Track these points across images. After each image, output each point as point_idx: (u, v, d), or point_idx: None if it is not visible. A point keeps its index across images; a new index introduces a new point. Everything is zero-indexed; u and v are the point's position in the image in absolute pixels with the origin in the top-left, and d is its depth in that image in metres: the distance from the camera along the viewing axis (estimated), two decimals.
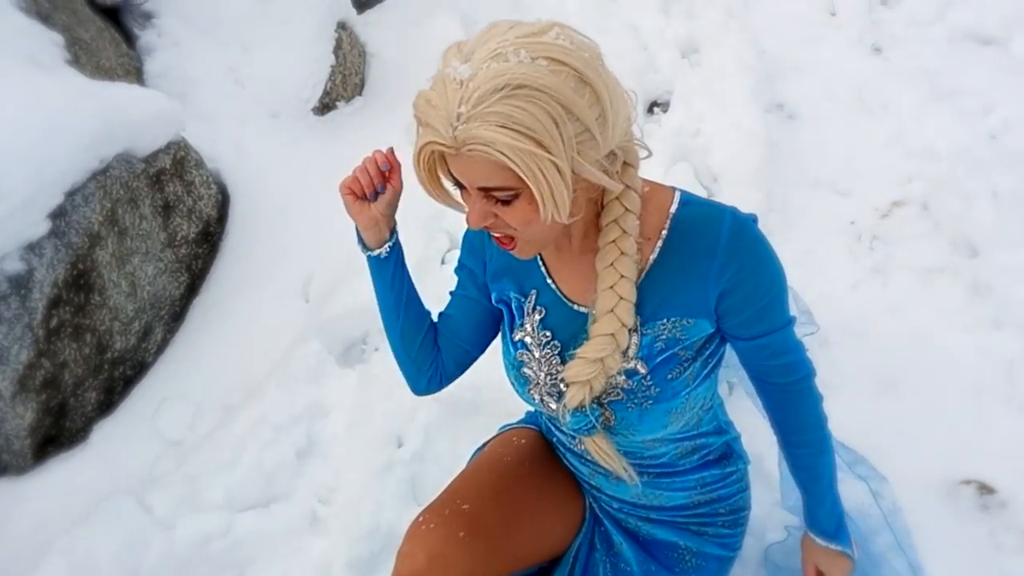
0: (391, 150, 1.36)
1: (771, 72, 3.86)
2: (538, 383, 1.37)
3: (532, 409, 1.77)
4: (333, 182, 3.40)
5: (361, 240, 1.42)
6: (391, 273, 1.43)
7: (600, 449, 1.33)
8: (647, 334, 1.26)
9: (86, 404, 2.50)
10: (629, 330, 1.24)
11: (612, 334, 1.21)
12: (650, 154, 1.22)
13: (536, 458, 1.62)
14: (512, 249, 1.19)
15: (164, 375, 2.68)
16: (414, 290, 1.50)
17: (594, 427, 1.30)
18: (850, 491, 1.66)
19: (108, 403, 2.58)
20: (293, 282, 2.93)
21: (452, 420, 2.34)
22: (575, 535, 1.61)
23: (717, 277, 1.22)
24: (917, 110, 3.36)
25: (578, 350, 1.25)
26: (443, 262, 3.08)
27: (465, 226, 1.31)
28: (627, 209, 1.21)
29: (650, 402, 1.28)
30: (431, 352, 1.53)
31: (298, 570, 2.07)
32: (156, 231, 2.77)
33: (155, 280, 2.76)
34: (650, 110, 3.68)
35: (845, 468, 1.64)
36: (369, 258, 1.42)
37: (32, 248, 2.28)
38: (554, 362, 1.34)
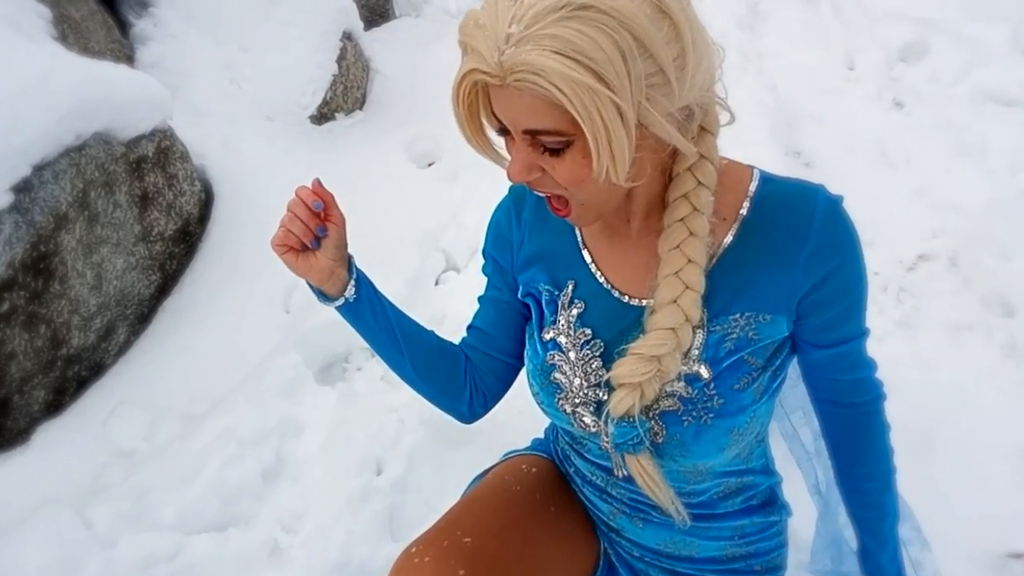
0: (317, 182, 1.13)
1: (788, 119, 3.74)
2: (571, 392, 1.13)
3: (542, 436, 1.54)
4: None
5: (319, 292, 1.19)
6: (369, 312, 1.22)
7: (645, 473, 1.08)
8: (715, 331, 1.04)
9: (32, 403, 2.23)
10: (694, 327, 1.02)
11: (674, 329, 1.00)
12: (733, 119, 1.02)
13: (548, 490, 1.38)
14: (567, 215, 1.00)
15: (123, 379, 2.42)
16: (404, 316, 1.27)
17: (642, 442, 1.06)
18: None
19: (57, 404, 2.31)
20: (274, 291, 2.70)
21: (440, 448, 2.10)
22: None
23: (807, 265, 1.01)
24: (942, 165, 3.23)
25: (631, 345, 1.03)
26: (437, 283, 2.87)
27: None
28: (700, 183, 1.00)
29: (711, 416, 1.05)
30: (462, 376, 1.31)
31: None
32: (130, 222, 2.54)
33: (124, 275, 2.52)
34: None
35: None
36: (338, 309, 1.21)
37: None
38: (594, 365, 1.11)
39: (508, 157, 0.96)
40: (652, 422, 1.07)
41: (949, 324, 2.52)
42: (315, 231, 1.11)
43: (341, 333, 2.54)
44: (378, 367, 2.52)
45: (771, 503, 1.32)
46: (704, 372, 1.05)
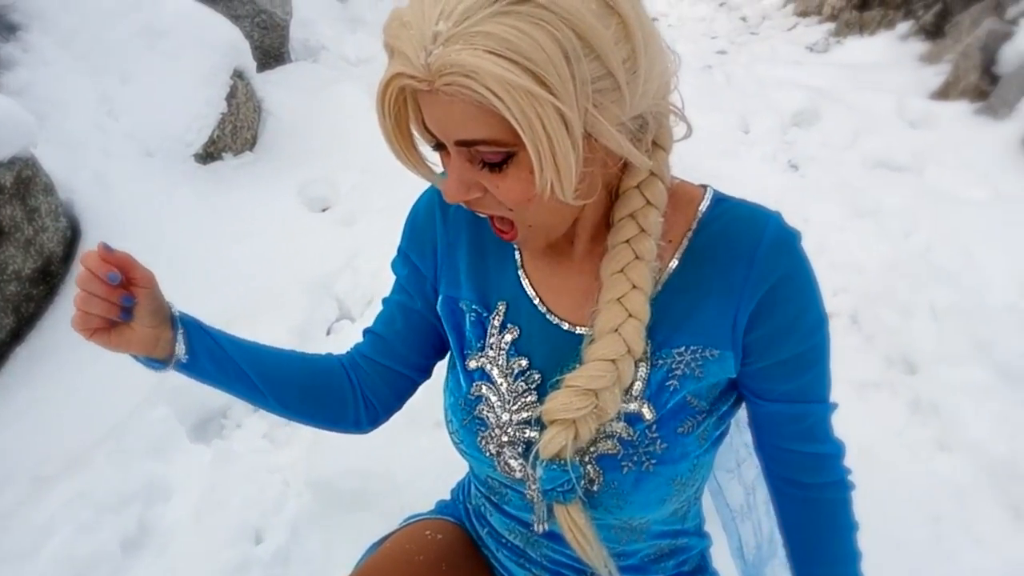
0: (103, 247, 0.89)
1: (688, 179, 3.74)
2: (497, 429, 0.98)
3: (448, 498, 1.36)
4: (205, 235, 3.01)
5: (146, 361, 0.99)
6: (211, 365, 1.02)
7: (575, 527, 0.93)
8: (658, 366, 0.91)
9: None
10: (636, 360, 0.89)
11: (614, 360, 0.86)
12: (690, 132, 0.91)
13: (456, 559, 1.20)
14: (513, 239, 0.87)
15: None
16: (257, 353, 1.08)
17: (574, 489, 0.91)
18: None
19: None
20: None
21: (329, 514, 1.89)
22: None
23: (750, 290, 0.89)
24: (839, 225, 3.28)
25: (566, 376, 0.89)
26: (329, 332, 2.68)
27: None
28: (649, 202, 0.88)
29: (653, 462, 0.91)
30: (347, 393, 1.12)
31: None
32: None
33: None
34: None
35: None
36: (175, 369, 1.01)
37: None
38: (528, 399, 0.96)
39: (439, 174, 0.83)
40: (588, 467, 0.92)
41: (855, 382, 2.49)
42: (120, 302, 0.91)
43: None
44: (261, 423, 2.29)
45: (703, 570, 1.19)
46: (647, 413, 0.91)
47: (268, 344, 1.13)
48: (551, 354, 0.96)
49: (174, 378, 2.25)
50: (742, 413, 1.07)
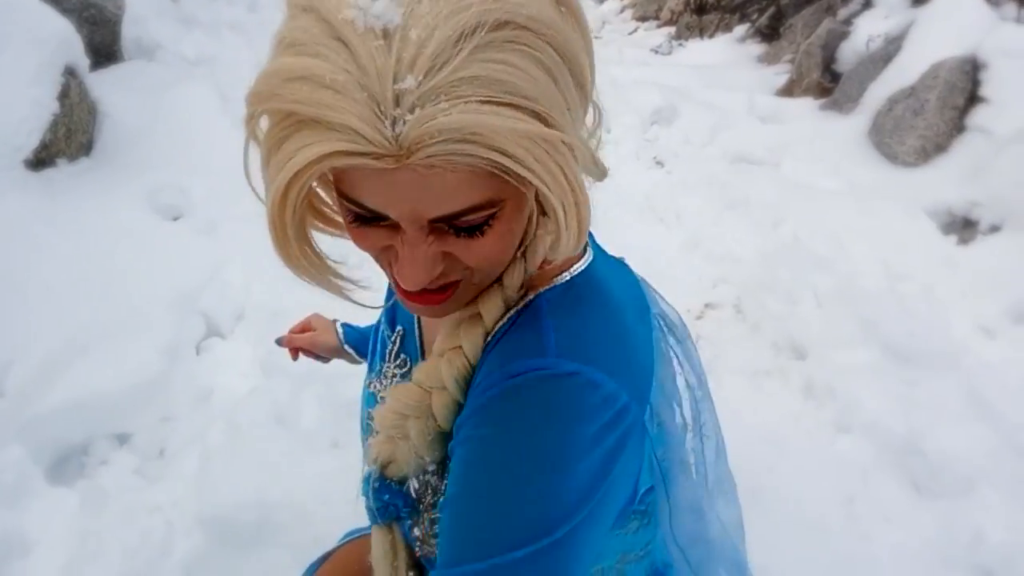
0: (277, 343, 1.36)
1: None
2: None
3: None
4: (44, 250, 2.67)
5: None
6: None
7: (380, 544, 0.85)
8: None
9: None
10: (455, 400, 0.75)
11: (430, 390, 0.75)
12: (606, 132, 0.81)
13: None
14: (441, 303, 0.70)
15: None
16: None
17: (390, 511, 0.82)
18: None
19: None
20: None
21: (227, 554, 1.68)
22: None
23: (462, 424, 0.74)
24: (711, 219, 3.33)
25: (397, 386, 0.78)
26: (199, 351, 2.43)
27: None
28: (484, 328, 0.76)
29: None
30: None
31: None
32: None
33: None
34: None
35: None
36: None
37: None
38: None
39: (345, 281, 0.72)
40: (409, 495, 0.83)
41: (747, 370, 2.51)
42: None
43: (76, 417, 2.04)
44: (130, 457, 2.04)
45: None
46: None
47: None
48: None
49: (27, 411, 1.98)
50: None
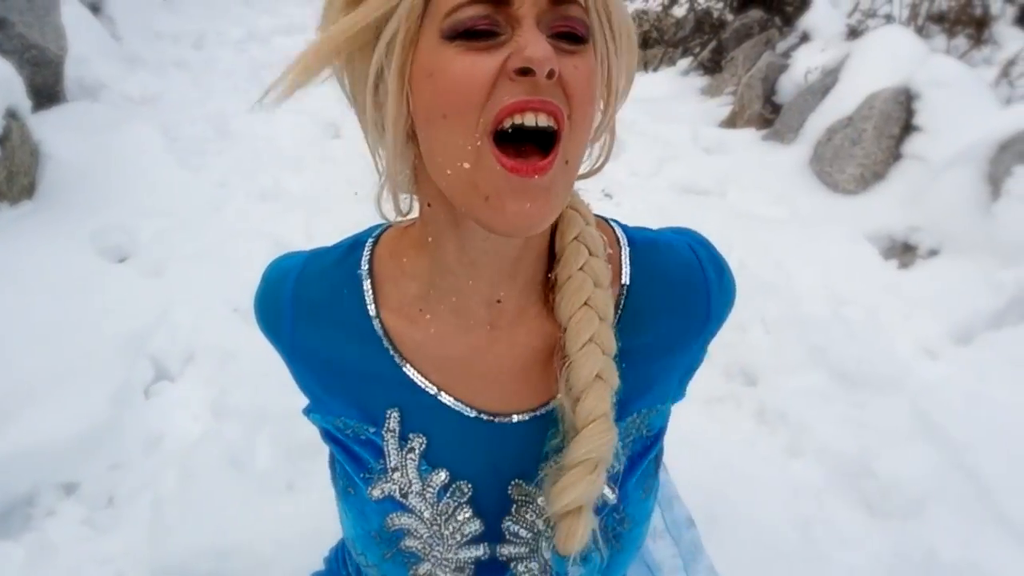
0: None
1: None
2: (434, 559, 0.81)
3: (323, 568, 1.18)
4: None
5: None
6: None
7: None
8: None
9: None
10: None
11: (606, 414, 0.72)
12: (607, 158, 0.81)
13: None
14: (546, 170, 0.64)
15: None
16: None
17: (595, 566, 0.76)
18: None
19: None
20: None
21: None
22: None
23: (705, 338, 0.85)
24: None
25: (566, 457, 0.72)
26: (148, 395, 2.38)
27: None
28: (587, 222, 0.77)
29: (620, 542, 0.81)
30: None
31: None
32: None
33: None
34: None
35: None
36: None
37: None
38: (461, 517, 0.80)
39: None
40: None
41: (700, 397, 2.54)
42: None
43: (22, 465, 1.98)
44: (77, 507, 1.98)
45: None
46: (610, 495, 0.79)
47: None
48: (477, 456, 0.80)
49: None
50: None
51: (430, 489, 0.80)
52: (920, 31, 4.57)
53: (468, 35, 0.62)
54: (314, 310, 0.81)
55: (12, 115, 3.19)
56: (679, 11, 6.86)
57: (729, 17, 6.19)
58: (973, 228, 3.09)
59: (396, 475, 0.80)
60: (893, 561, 1.94)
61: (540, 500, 0.79)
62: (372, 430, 0.81)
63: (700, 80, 5.81)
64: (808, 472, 2.21)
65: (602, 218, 0.86)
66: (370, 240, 0.82)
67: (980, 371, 2.46)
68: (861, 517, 2.08)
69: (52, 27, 4.06)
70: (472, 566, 0.81)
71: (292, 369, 0.86)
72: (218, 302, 2.74)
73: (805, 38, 4.98)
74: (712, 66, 5.79)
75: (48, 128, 3.59)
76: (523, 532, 0.81)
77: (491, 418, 0.79)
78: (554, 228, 0.77)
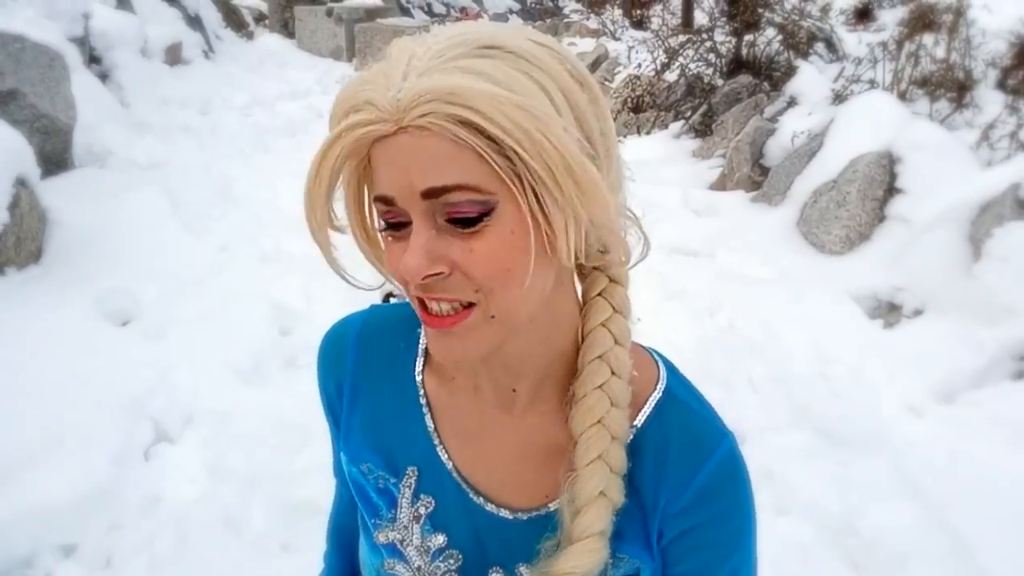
0: None
1: None
2: None
3: None
4: None
5: None
6: None
7: None
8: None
9: None
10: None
11: (602, 532, 0.74)
12: (649, 251, 0.82)
13: None
14: (457, 324, 0.68)
15: None
16: None
17: None
18: None
19: None
20: None
21: None
22: None
23: (677, 515, 0.80)
24: (652, 308, 3.45)
25: (552, 564, 0.74)
26: (147, 457, 2.43)
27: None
28: (616, 342, 0.76)
29: None
30: None
31: None
32: None
33: None
34: None
35: None
36: None
37: None
38: None
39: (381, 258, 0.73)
40: None
41: None
42: None
43: (22, 527, 2.03)
44: (76, 569, 2.02)
45: None
46: None
47: None
48: (473, 535, 0.83)
49: None
50: None
51: (427, 548, 0.84)
52: (903, 96, 4.72)
53: (387, 226, 0.67)
54: (373, 356, 0.88)
55: (22, 183, 3.30)
56: (671, 76, 7.05)
57: (719, 82, 6.37)
58: (955, 288, 3.17)
59: (402, 527, 0.85)
60: None
61: None
62: (392, 480, 0.85)
63: (691, 143, 5.95)
64: (794, 529, 2.25)
65: (648, 350, 0.85)
66: None
67: (962, 430, 2.51)
68: (847, 573, 2.11)
69: (63, 97, 4.20)
70: None
71: (344, 406, 0.90)
72: (217, 364, 2.81)
73: (792, 102, 5.13)
74: (703, 129, 5.95)
75: (56, 194, 3.70)
76: None
77: (494, 509, 0.82)
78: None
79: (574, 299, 0.78)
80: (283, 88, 7.68)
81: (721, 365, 2.91)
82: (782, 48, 6.16)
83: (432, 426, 0.84)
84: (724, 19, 6.83)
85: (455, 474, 0.82)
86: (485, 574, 0.82)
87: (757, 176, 4.63)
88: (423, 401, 0.84)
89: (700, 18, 9.65)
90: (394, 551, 0.85)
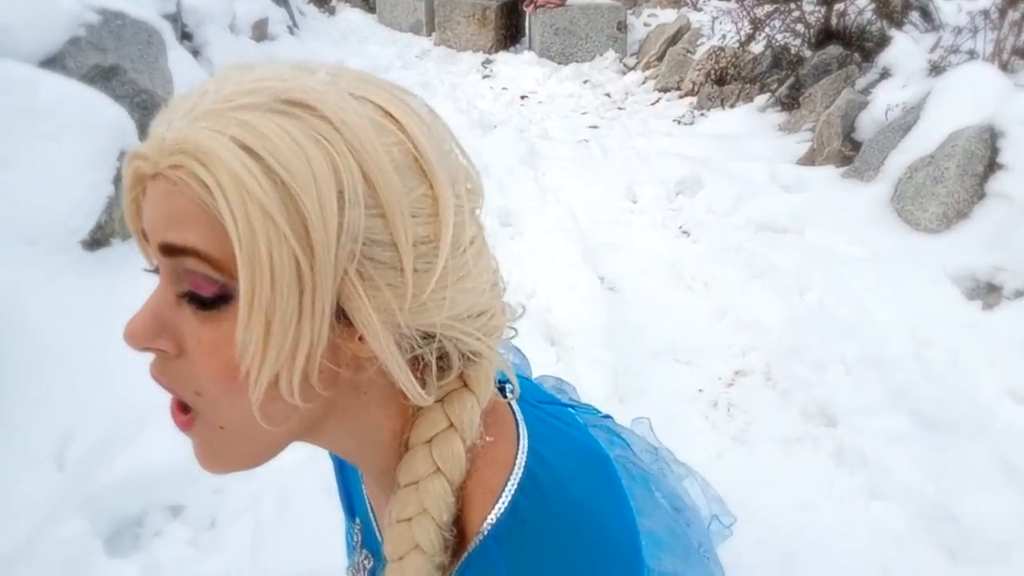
0: None
1: (587, 247, 3.83)
2: None
3: None
4: (100, 326, 2.80)
5: None
6: None
7: None
8: None
9: None
10: None
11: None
12: (516, 335, 0.70)
13: None
14: (181, 424, 0.62)
15: None
16: None
17: None
18: None
19: None
20: (45, 445, 2.22)
21: None
22: None
23: None
24: (738, 287, 3.41)
25: None
26: None
27: None
28: (438, 468, 0.64)
29: None
30: None
31: None
32: None
33: None
34: None
35: None
36: None
37: None
38: None
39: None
40: None
41: (778, 437, 2.56)
42: None
43: (132, 490, 2.13)
44: (182, 528, 2.12)
45: None
46: None
47: None
48: None
49: (89, 484, 2.08)
50: None
51: None
52: (1005, 67, 4.50)
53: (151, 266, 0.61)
54: None
55: (124, 156, 3.42)
56: (756, 47, 6.88)
57: (807, 53, 6.18)
58: None
59: (356, 571, 0.85)
60: None
61: None
62: (350, 526, 0.86)
63: (777, 116, 5.81)
64: (888, 515, 2.21)
65: (511, 446, 0.68)
66: None
67: None
68: (943, 562, 2.07)
69: (160, 73, 4.34)
70: None
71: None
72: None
73: (885, 74, 4.96)
74: (789, 102, 5.79)
75: None
76: None
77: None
78: None
79: (391, 405, 0.65)
80: (365, 63, 7.75)
81: (812, 345, 2.86)
82: (874, 17, 5.93)
83: (366, 488, 0.81)
84: None
85: (379, 535, 0.78)
86: None
87: (848, 151, 4.50)
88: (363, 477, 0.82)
89: None
90: None
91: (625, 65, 8.73)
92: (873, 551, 2.10)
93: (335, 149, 0.52)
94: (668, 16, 9.19)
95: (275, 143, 0.51)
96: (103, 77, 3.95)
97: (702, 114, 6.39)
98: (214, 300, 0.54)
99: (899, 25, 5.73)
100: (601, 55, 8.92)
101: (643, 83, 7.95)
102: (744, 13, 7.12)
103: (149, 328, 0.57)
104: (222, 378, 0.55)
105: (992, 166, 3.68)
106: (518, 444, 0.68)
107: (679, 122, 6.35)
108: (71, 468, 2.20)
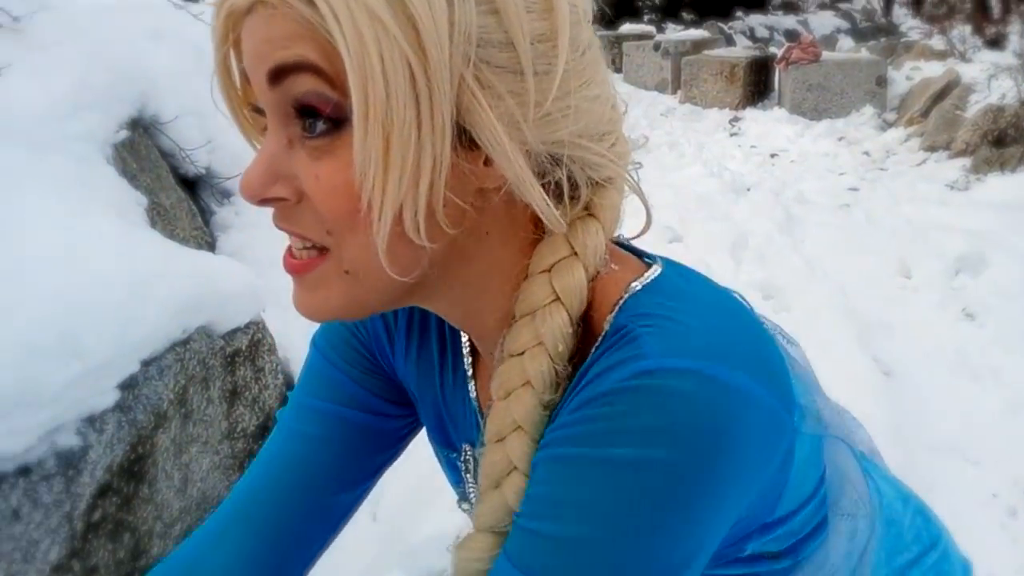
0: None
1: (860, 326, 3.70)
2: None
3: None
4: None
5: None
6: None
7: None
8: None
9: None
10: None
11: (491, 529, 0.61)
12: (649, 223, 0.66)
13: None
14: (306, 272, 0.59)
15: None
16: None
17: None
18: None
19: None
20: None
21: None
22: None
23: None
24: None
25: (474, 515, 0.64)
26: None
27: None
28: (557, 297, 0.58)
29: None
30: None
31: None
32: (219, 419, 2.38)
33: (208, 475, 2.33)
34: None
35: None
36: None
37: (92, 421, 1.89)
38: None
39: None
40: None
41: None
42: None
43: (443, 545, 2.34)
44: None
45: None
46: None
47: None
48: None
49: (406, 540, 2.31)
50: None
51: None
52: None
53: (255, 109, 0.60)
54: (413, 336, 0.80)
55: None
56: None
57: None
58: None
59: (471, 499, 0.81)
60: None
61: None
62: (452, 454, 0.81)
63: None
64: None
65: (639, 261, 0.65)
66: None
67: None
68: None
69: None
70: None
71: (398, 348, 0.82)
72: None
73: None
74: None
75: None
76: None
77: None
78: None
79: (513, 245, 0.61)
80: None
81: None
82: None
83: (476, 401, 0.76)
84: None
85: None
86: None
87: None
88: (471, 382, 0.76)
89: None
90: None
91: (885, 121, 8.35)
92: None
93: None
94: (933, 69, 8.70)
95: None
96: None
97: (978, 179, 5.98)
98: (328, 126, 0.52)
99: None
100: (858, 111, 8.59)
101: (906, 140, 7.55)
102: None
103: (264, 178, 0.55)
104: (346, 212, 0.53)
105: None
106: (652, 265, 0.63)
107: (952, 187, 5.97)
108: (384, 520, 2.47)
